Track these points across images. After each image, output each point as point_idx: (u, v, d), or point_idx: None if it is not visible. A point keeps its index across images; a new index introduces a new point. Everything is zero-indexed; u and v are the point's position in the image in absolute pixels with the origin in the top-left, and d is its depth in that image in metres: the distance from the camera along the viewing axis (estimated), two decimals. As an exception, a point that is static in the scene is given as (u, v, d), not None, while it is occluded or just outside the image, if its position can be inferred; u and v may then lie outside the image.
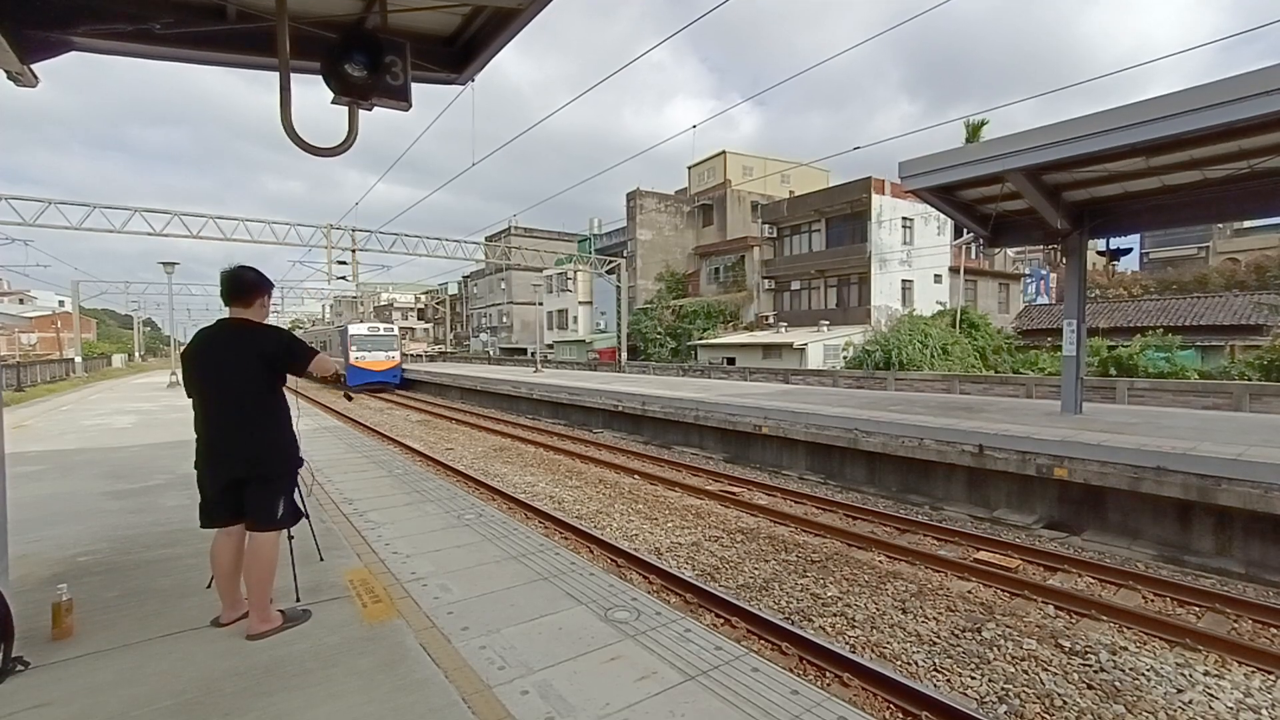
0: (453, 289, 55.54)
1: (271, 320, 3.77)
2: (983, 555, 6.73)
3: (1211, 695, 4.14)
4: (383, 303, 57.85)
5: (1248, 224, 39.24)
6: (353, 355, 29.81)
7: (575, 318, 43.30)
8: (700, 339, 32.60)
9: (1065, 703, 4.11)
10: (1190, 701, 4.09)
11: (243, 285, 3.44)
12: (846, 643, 5.02)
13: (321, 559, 4.74)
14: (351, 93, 3.63)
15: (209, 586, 3.69)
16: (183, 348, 3.46)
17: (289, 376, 3.62)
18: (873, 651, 4.89)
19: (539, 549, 5.24)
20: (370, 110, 3.83)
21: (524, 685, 3.08)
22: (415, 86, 3.87)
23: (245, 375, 3.37)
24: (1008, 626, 5.17)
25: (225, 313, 3.55)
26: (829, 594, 5.90)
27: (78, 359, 38.47)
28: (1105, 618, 5.26)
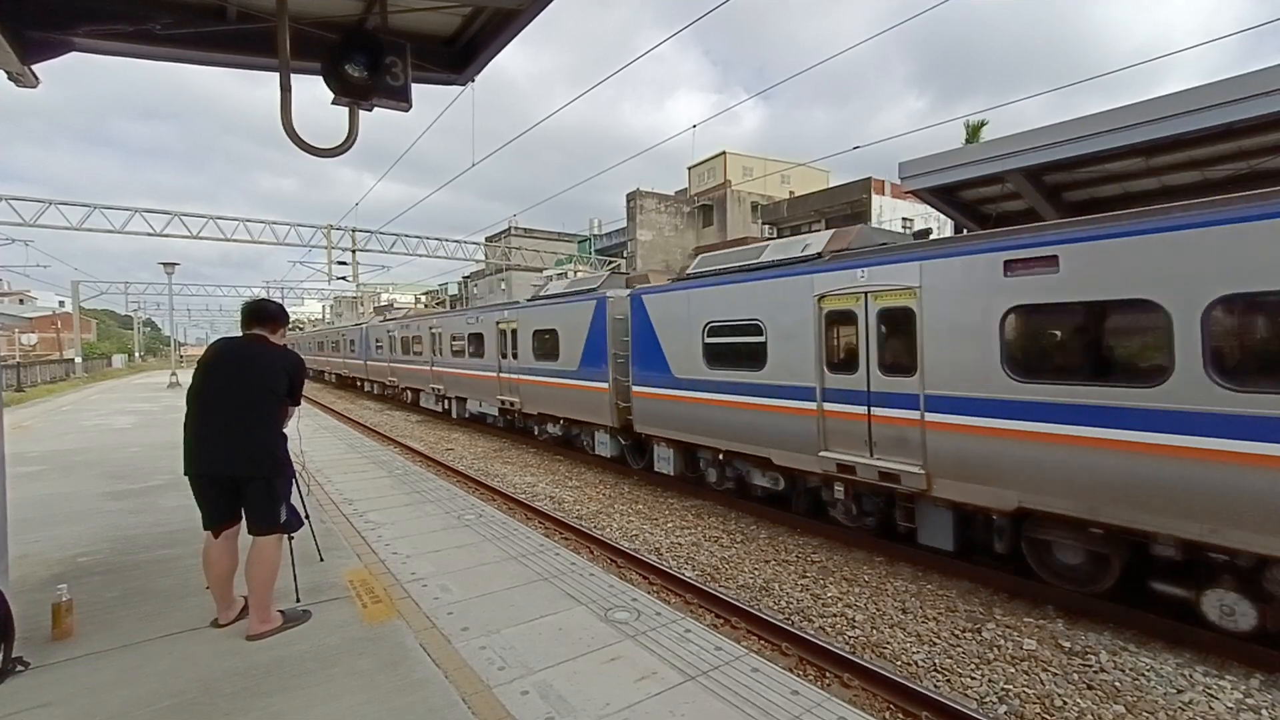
0: (452, 289, 55.48)
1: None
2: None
3: (1211, 696, 4.14)
4: (383, 303, 57.85)
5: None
6: None
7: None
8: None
9: (1065, 703, 4.11)
10: (1190, 702, 4.08)
11: (269, 314, 3.82)
12: (846, 643, 5.02)
13: (321, 559, 4.75)
14: (352, 93, 3.64)
15: (208, 588, 3.70)
16: (201, 354, 3.76)
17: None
18: (873, 652, 4.88)
19: (539, 549, 5.24)
20: (370, 110, 3.84)
21: (524, 685, 3.09)
22: (415, 86, 3.88)
23: (266, 385, 3.57)
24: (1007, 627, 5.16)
25: (227, 329, 3.73)
26: (829, 594, 5.89)
27: (78, 359, 38.48)
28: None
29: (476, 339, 15.41)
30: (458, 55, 4.63)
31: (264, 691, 2.99)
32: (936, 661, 4.68)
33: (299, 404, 3.88)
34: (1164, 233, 4.54)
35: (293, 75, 3.65)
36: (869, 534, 6.97)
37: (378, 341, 23.71)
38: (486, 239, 44.47)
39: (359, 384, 28.44)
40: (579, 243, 42.20)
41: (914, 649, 4.87)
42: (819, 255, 7.32)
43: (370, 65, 3.59)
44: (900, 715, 4.07)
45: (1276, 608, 4.37)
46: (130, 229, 22.22)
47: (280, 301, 4.28)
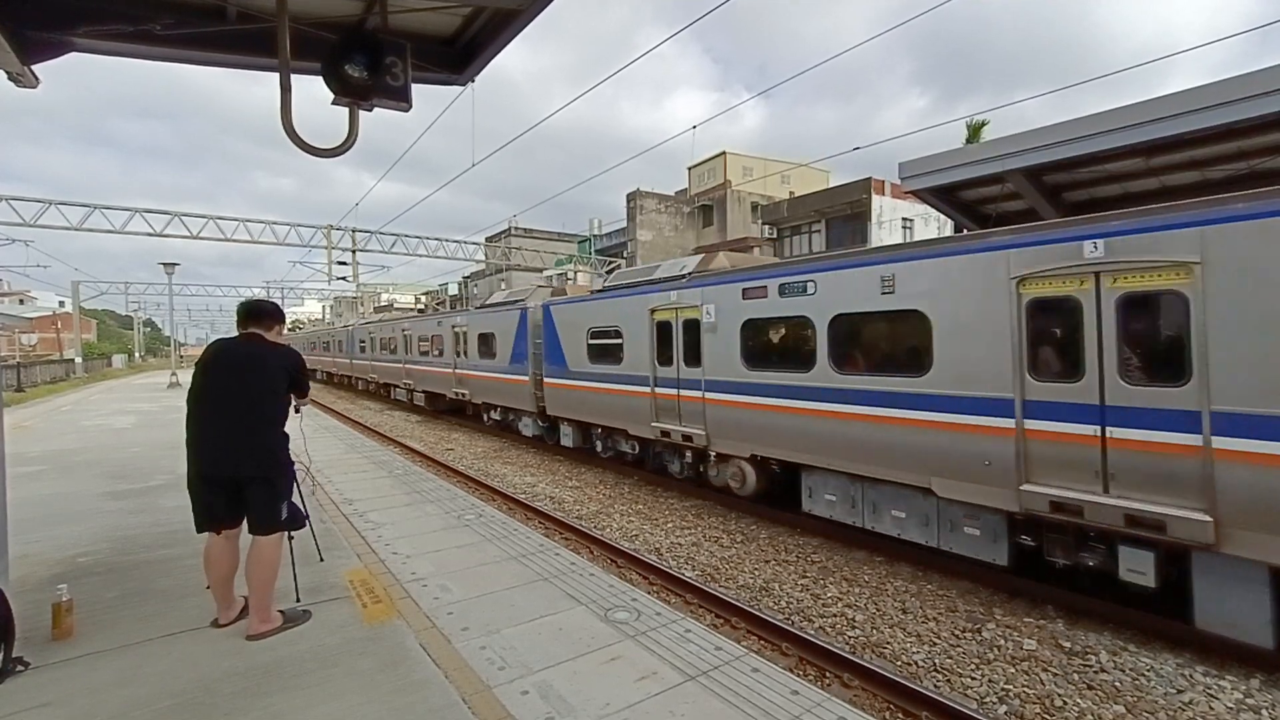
0: (453, 289, 55.50)
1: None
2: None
3: (1211, 696, 4.14)
4: (383, 303, 57.87)
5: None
6: None
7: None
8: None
9: (1065, 703, 4.11)
10: (1190, 702, 4.08)
11: (265, 312, 3.85)
12: (846, 643, 5.02)
13: (322, 559, 4.75)
14: (352, 93, 3.64)
15: (209, 588, 3.70)
16: (200, 354, 3.78)
17: None
18: (873, 652, 4.88)
19: (539, 549, 5.24)
20: (370, 110, 3.84)
21: (524, 685, 3.09)
22: (415, 86, 3.88)
23: (267, 384, 3.58)
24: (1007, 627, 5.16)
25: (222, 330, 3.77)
26: (829, 594, 5.89)
27: (78, 359, 38.50)
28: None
29: None
30: (458, 55, 4.63)
31: (264, 691, 2.99)
32: (937, 661, 4.68)
33: (307, 395, 3.99)
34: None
35: (293, 75, 3.65)
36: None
37: (600, 331, 10.78)
38: (486, 239, 44.48)
39: (486, 415, 15.55)
40: (579, 243, 42.21)
41: (914, 649, 4.87)
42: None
43: (370, 65, 3.59)
44: (900, 715, 4.07)
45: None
46: (130, 229, 22.22)
47: (277, 301, 4.33)
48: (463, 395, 16.25)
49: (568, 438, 12.07)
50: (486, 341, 14.87)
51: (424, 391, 19.17)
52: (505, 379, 13.97)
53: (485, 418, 15.64)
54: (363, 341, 26.03)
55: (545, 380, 12.35)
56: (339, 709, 2.85)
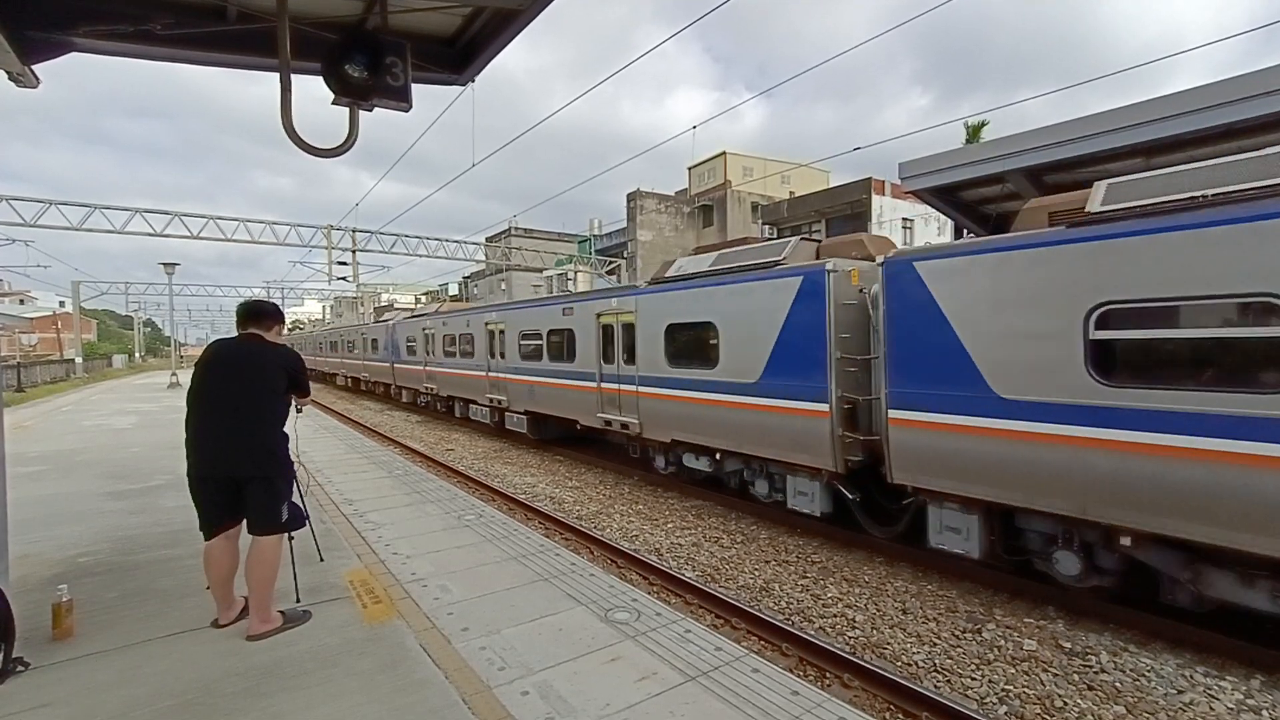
0: (453, 289, 55.51)
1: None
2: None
3: (1212, 696, 4.14)
4: (383, 303, 57.91)
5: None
6: None
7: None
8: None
9: (1065, 704, 4.11)
10: (1191, 702, 4.08)
11: (264, 312, 3.87)
12: (846, 643, 5.01)
13: (322, 559, 4.76)
14: (352, 93, 3.64)
15: (209, 588, 3.70)
16: (200, 354, 3.79)
17: None
18: (873, 652, 4.88)
19: (539, 550, 5.25)
20: (370, 110, 3.84)
21: (524, 686, 3.09)
22: (415, 86, 3.88)
23: (266, 384, 3.60)
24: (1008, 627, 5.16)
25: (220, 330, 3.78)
26: (829, 595, 5.89)
27: (78, 360, 38.51)
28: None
29: None
30: (458, 55, 4.63)
31: (264, 692, 2.99)
32: (937, 662, 4.68)
33: (308, 394, 4.03)
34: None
35: (293, 75, 3.65)
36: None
37: (1149, 309, 4.53)
38: (486, 239, 44.48)
39: (666, 458, 9.71)
40: (579, 243, 42.20)
41: (914, 649, 4.86)
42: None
43: (370, 65, 3.59)
44: (900, 716, 4.06)
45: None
46: (130, 229, 22.23)
47: (276, 302, 4.36)
48: (624, 427, 9.96)
49: (954, 537, 5.78)
50: (681, 338, 8.95)
51: (527, 413, 12.96)
52: (747, 406, 7.70)
53: (665, 462, 9.76)
54: (411, 340, 18.92)
55: (893, 416, 6.01)
56: (339, 709, 2.85)
